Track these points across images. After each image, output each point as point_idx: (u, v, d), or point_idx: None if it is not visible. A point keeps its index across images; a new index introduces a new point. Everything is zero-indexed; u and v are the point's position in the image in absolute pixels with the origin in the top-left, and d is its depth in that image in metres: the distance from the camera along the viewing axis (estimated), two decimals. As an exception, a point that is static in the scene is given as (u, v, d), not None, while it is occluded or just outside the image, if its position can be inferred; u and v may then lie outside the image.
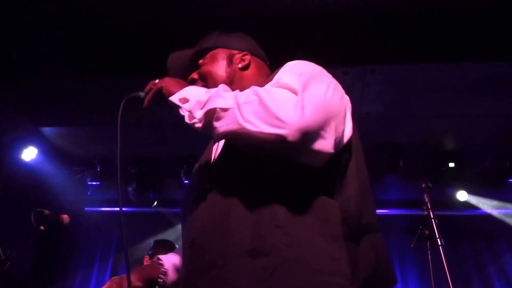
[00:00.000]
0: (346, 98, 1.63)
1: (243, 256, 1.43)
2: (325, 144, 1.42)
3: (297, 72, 1.55)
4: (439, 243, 2.70)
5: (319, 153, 1.43)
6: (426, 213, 2.85)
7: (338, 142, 1.50)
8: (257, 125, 1.38)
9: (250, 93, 1.48)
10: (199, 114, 1.56)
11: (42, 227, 3.38)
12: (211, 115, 1.52)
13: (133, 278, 2.13)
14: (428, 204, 2.87)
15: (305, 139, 1.37)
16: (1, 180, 6.01)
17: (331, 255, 1.42)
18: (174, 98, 1.70)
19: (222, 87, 1.61)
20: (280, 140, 1.36)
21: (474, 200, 6.19)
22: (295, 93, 1.43)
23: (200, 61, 2.02)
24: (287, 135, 1.35)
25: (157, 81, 1.82)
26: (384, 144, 5.74)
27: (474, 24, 4.26)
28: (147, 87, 1.86)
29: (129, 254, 5.68)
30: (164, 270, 2.05)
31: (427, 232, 2.80)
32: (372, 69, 4.46)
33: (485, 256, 6.87)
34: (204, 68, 1.98)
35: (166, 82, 1.79)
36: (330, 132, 1.44)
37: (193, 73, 1.89)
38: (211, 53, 2.01)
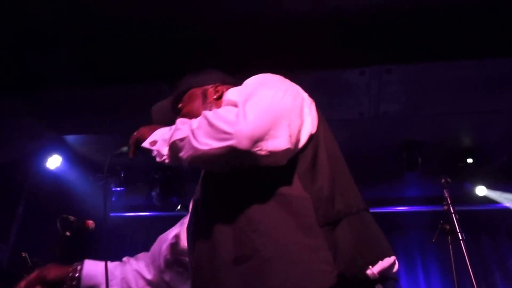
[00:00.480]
0: (302, 97, 1.75)
1: (230, 265, 1.52)
2: (278, 142, 1.52)
3: (241, 87, 1.74)
4: (461, 237, 2.69)
5: (275, 152, 1.53)
6: (446, 208, 2.85)
7: (295, 137, 1.60)
8: (210, 144, 1.52)
9: (200, 118, 1.61)
10: (165, 151, 1.72)
11: (68, 233, 3.40)
12: (174, 148, 1.67)
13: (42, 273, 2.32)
14: (448, 199, 2.86)
15: (255, 142, 1.48)
16: (27, 189, 6.09)
17: (309, 245, 1.47)
18: (146, 143, 1.87)
19: (179, 121, 1.75)
20: (232, 150, 1.48)
21: (493, 194, 6.14)
22: (236, 105, 1.57)
23: (179, 106, 2.19)
24: (236, 144, 1.47)
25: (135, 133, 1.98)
26: (403, 142, 5.72)
27: (489, 21, 4.23)
28: (130, 140, 2.01)
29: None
30: (73, 275, 2.30)
31: (448, 227, 2.79)
32: (388, 68, 4.44)
33: (506, 250, 6.81)
34: (184, 110, 2.15)
35: (140, 132, 1.97)
36: (282, 130, 1.54)
37: (177, 118, 1.93)
38: (186, 95, 2.21)
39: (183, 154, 1.62)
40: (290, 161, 1.60)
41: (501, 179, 6.01)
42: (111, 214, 7.23)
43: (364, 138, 5.65)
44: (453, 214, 2.80)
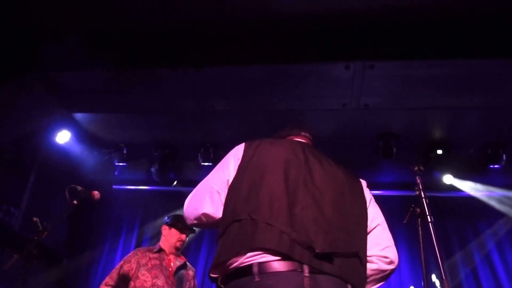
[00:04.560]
0: (232, 153, 2.17)
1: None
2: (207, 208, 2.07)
3: None
4: (429, 220, 2.68)
5: (208, 214, 2.06)
6: (417, 193, 2.83)
7: (225, 182, 2.08)
8: None
9: None
10: None
11: (75, 202, 3.39)
12: None
13: None
14: (420, 185, 2.84)
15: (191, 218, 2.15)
16: (39, 160, 6.05)
17: (219, 248, 1.87)
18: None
19: None
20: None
21: (459, 183, 6.17)
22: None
23: None
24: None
25: None
26: (380, 133, 5.71)
27: (462, 25, 4.24)
28: None
29: (151, 226, 5.71)
30: None
31: (418, 210, 2.77)
32: (372, 64, 4.43)
33: (467, 233, 6.87)
34: None
35: None
36: (200, 203, 2.11)
37: None
38: None
39: None
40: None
41: (467, 170, 6.04)
42: (114, 186, 7.19)
43: (345, 128, 5.64)
44: (423, 199, 2.78)
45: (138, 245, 6.98)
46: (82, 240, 7.25)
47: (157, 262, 3.93)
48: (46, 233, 3.12)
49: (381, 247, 2.01)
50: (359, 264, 1.84)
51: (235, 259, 1.75)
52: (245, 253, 1.73)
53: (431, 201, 2.66)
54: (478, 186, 6.29)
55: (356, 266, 1.82)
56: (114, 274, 3.90)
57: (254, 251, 1.72)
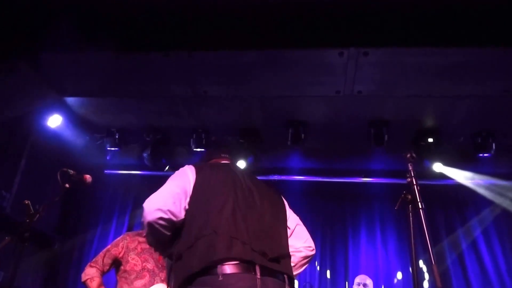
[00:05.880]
0: (188, 170, 2.45)
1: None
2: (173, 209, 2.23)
3: None
4: (420, 207, 2.69)
5: (172, 212, 2.22)
6: (409, 180, 2.84)
7: (179, 195, 2.29)
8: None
9: None
10: None
11: (67, 185, 3.38)
12: None
13: None
14: (412, 172, 2.85)
15: (151, 216, 2.21)
16: (30, 143, 6.00)
17: (187, 259, 2.15)
18: None
19: None
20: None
21: (448, 171, 6.21)
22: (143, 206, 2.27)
23: None
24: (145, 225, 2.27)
25: None
26: (372, 120, 5.71)
27: (456, 13, 4.24)
28: None
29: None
30: None
31: (409, 197, 2.78)
32: (366, 51, 4.40)
33: (454, 220, 6.95)
34: None
35: None
36: (167, 200, 2.25)
37: None
38: None
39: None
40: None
41: (457, 158, 6.07)
42: (106, 171, 7.16)
43: (338, 114, 5.63)
44: (415, 186, 2.79)
45: (130, 229, 6.97)
46: (74, 224, 7.23)
47: (146, 246, 3.92)
48: (37, 216, 3.10)
49: (304, 239, 2.56)
50: (288, 258, 2.38)
51: (200, 266, 2.09)
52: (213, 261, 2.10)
53: (421, 189, 2.68)
54: (467, 174, 6.34)
55: (287, 261, 2.36)
56: (99, 257, 3.88)
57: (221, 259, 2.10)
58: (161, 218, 2.19)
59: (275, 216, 2.49)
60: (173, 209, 2.22)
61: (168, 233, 2.27)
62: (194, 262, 2.09)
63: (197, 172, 2.42)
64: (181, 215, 2.26)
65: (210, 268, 2.06)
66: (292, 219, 2.61)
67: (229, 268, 2.06)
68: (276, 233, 2.40)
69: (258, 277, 2.09)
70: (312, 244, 2.60)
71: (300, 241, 2.54)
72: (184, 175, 2.42)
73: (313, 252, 2.60)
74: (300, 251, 2.53)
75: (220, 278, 2.03)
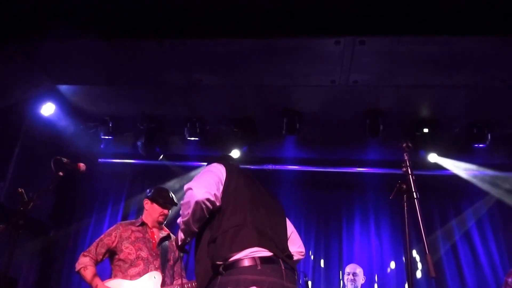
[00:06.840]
0: (218, 165, 2.69)
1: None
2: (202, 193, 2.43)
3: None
4: (415, 196, 2.70)
5: (216, 195, 2.47)
6: (405, 169, 2.84)
7: (218, 184, 2.55)
8: (183, 215, 2.54)
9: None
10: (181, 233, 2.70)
11: (61, 173, 3.38)
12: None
13: None
14: (407, 161, 2.85)
15: (201, 196, 2.40)
16: (24, 132, 5.97)
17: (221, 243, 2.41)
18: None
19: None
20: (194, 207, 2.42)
21: (443, 161, 6.22)
22: (189, 188, 2.46)
23: None
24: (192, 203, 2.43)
25: None
26: (368, 110, 5.70)
27: (455, 2, 4.21)
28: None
29: (137, 199, 5.71)
30: None
31: (404, 186, 2.78)
32: (362, 40, 4.38)
33: (448, 211, 6.98)
34: None
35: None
36: (212, 186, 2.50)
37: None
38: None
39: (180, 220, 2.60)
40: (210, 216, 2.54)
41: (452, 149, 6.08)
42: (100, 160, 7.14)
43: (333, 104, 5.62)
44: (410, 175, 2.80)
45: (124, 218, 6.97)
46: (68, 212, 7.22)
47: (140, 234, 3.92)
48: (32, 204, 3.10)
49: (297, 245, 2.86)
50: (292, 257, 2.68)
51: (238, 253, 2.33)
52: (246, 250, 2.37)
53: (416, 179, 2.69)
54: (462, 164, 6.35)
55: (293, 259, 2.68)
56: (93, 246, 3.89)
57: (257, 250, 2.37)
58: (208, 200, 2.41)
59: (282, 219, 2.78)
60: (218, 194, 2.50)
61: (207, 216, 2.49)
62: (233, 247, 2.34)
63: (226, 170, 2.66)
64: (220, 202, 2.51)
65: (247, 257, 2.31)
66: (289, 225, 2.87)
67: (265, 259, 2.32)
68: (284, 233, 2.71)
69: (283, 268, 2.36)
70: (303, 249, 2.92)
71: (294, 246, 2.81)
72: (218, 170, 2.65)
73: (303, 257, 2.93)
74: (294, 256, 2.77)
75: (259, 268, 2.28)
